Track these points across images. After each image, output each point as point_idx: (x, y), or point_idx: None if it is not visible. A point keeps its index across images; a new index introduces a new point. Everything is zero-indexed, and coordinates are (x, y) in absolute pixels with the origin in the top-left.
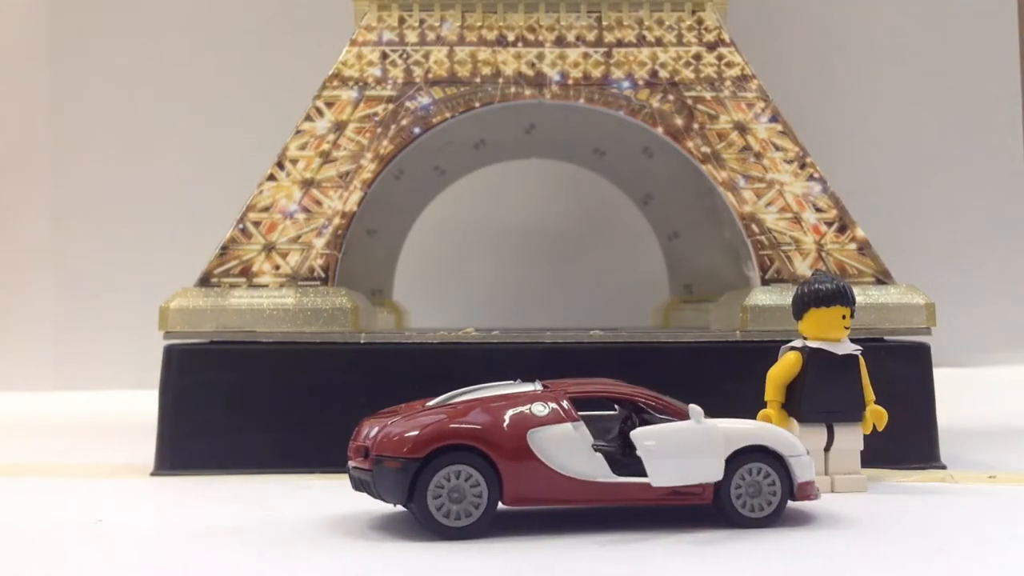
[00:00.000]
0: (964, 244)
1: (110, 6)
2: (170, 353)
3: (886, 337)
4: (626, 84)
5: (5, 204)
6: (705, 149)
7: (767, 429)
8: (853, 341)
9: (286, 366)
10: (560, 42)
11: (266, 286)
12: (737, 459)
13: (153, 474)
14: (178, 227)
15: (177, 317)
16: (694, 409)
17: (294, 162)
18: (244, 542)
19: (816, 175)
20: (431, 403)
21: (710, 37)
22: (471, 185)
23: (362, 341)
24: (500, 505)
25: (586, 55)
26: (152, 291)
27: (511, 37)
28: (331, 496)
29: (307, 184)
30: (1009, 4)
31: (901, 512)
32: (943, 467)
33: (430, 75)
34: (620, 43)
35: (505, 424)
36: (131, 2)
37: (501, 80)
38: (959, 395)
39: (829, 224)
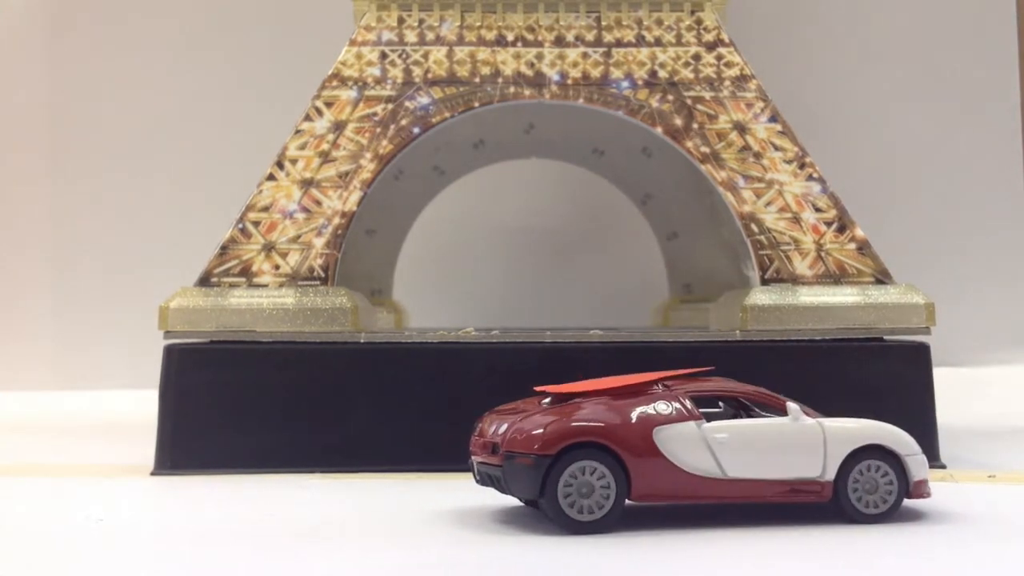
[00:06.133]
0: (964, 244)
1: (110, 6)
2: (170, 353)
3: (885, 337)
4: (625, 84)
5: (5, 205)
6: (704, 149)
7: (884, 428)
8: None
9: (286, 366)
10: (559, 42)
11: (266, 286)
12: (854, 457)
13: (153, 474)
14: (178, 227)
15: (177, 317)
16: (791, 407)
17: (293, 162)
18: (244, 542)
19: (815, 175)
20: (546, 400)
21: (709, 37)
22: (471, 185)
23: (362, 341)
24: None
25: (585, 55)
26: (152, 291)
27: (510, 37)
28: (330, 495)
29: (306, 184)
30: (1009, 4)
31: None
32: (943, 467)
33: (429, 75)
34: (619, 43)
35: (632, 422)
36: (131, 2)
37: (500, 80)
38: (959, 395)
39: (828, 224)
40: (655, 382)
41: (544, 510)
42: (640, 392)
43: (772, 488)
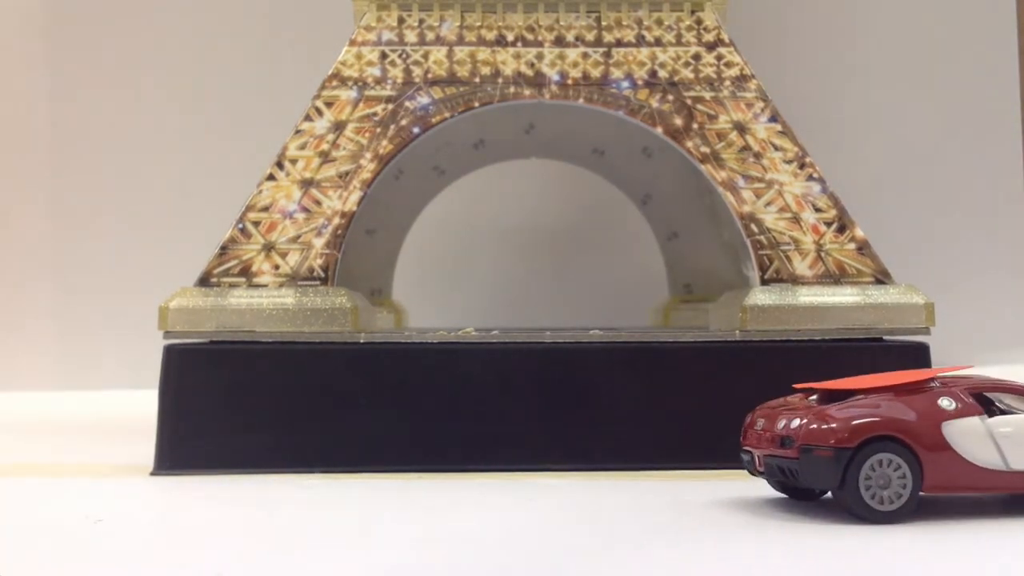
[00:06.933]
0: (964, 244)
1: (110, 6)
2: (170, 353)
3: (885, 337)
4: (625, 84)
5: (5, 204)
6: (704, 149)
7: None
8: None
9: (286, 366)
10: (559, 42)
11: (266, 286)
12: None
13: (153, 474)
14: (178, 227)
15: (177, 317)
16: None
17: (293, 162)
18: (244, 542)
19: (815, 175)
20: (812, 397)
21: (709, 37)
22: (471, 185)
23: (362, 341)
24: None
25: (585, 55)
26: (152, 291)
27: (510, 37)
28: (333, 495)
29: (306, 184)
30: (1009, 4)
31: None
32: None
33: (429, 75)
34: (619, 43)
35: (922, 417)
36: (131, 2)
37: (500, 80)
38: None
39: (828, 224)
40: (932, 379)
41: (842, 500)
42: (920, 388)
43: None
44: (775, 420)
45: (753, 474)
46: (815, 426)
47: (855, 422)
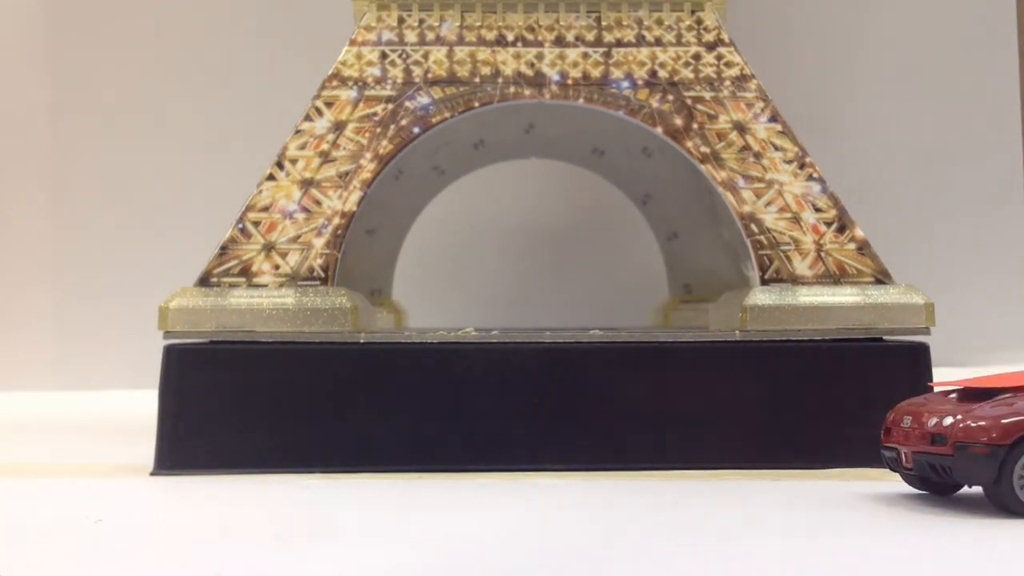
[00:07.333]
0: (964, 244)
1: (110, 6)
2: (170, 353)
3: (885, 337)
4: (625, 84)
5: (5, 204)
6: (704, 149)
7: None
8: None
9: (286, 366)
10: (559, 42)
11: (266, 286)
12: None
13: (153, 474)
14: (178, 227)
15: (177, 317)
16: None
17: (293, 162)
18: (244, 542)
19: (815, 175)
20: (952, 395)
21: (709, 37)
22: (471, 185)
23: (362, 341)
24: None
25: (585, 55)
26: (152, 291)
27: (510, 37)
28: (333, 495)
29: (306, 184)
30: (1009, 4)
31: None
32: None
33: (429, 75)
34: (619, 43)
35: None
36: (131, 2)
37: (500, 80)
38: None
39: (828, 224)
40: None
41: (995, 496)
42: None
43: None
44: (923, 418)
45: (895, 471)
46: (969, 424)
47: (1008, 420)
